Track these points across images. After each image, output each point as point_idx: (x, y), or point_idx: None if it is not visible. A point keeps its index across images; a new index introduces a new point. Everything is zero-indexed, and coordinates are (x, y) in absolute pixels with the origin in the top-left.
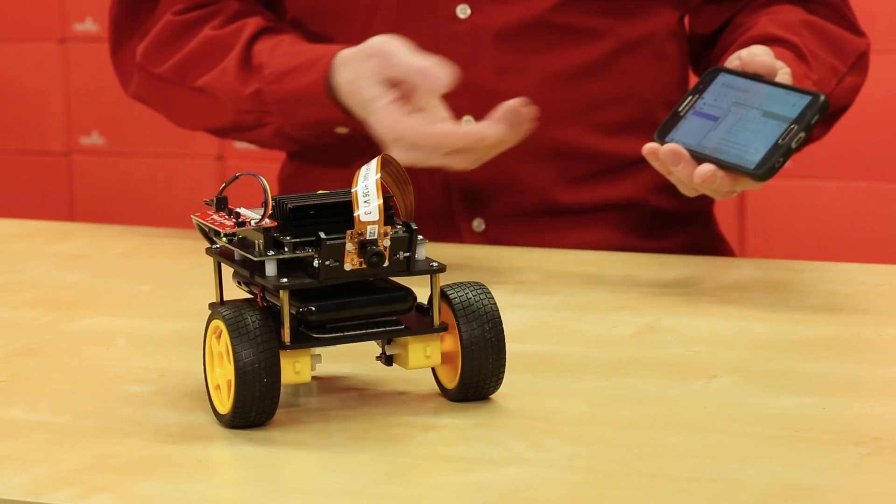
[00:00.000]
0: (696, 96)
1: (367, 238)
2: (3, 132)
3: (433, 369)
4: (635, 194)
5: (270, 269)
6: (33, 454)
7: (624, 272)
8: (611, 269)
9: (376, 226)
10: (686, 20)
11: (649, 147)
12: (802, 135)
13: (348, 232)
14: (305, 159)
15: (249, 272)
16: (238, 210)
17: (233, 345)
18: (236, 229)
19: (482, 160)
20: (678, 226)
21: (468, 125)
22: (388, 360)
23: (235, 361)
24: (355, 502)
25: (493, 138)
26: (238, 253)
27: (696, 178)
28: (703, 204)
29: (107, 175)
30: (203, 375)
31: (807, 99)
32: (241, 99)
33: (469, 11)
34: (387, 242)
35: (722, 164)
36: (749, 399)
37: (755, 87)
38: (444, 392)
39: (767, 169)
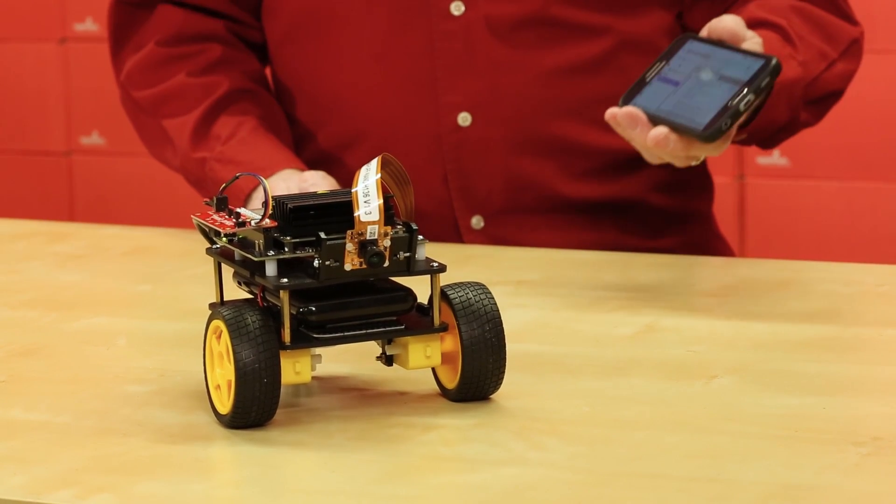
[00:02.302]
0: (664, 63)
1: (368, 238)
2: (3, 132)
3: (433, 369)
4: (635, 193)
5: (270, 269)
6: (33, 454)
7: (624, 272)
8: (611, 270)
9: (376, 226)
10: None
11: (611, 111)
12: (752, 97)
13: (348, 232)
14: (306, 159)
15: (250, 272)
16: (238, 210)
17: (233, 345)
18: (236, 229)
19: None
20: (677, 225)
21: None
22: (388, 360)
23: (235, 361)
24: (355, 502)
25: None
26: (238, 253)
27: (650, 141)
28: (703, 203)
29: (107, 175)
30: (203, 375)
31: (760, 62)
32: (188, 159)
33: (463, 8)
34: (387, 242)
35: (674, 126)
36: (749, 399)
37: (716, 53)
38: (444, 392)
39: (714, 130)
